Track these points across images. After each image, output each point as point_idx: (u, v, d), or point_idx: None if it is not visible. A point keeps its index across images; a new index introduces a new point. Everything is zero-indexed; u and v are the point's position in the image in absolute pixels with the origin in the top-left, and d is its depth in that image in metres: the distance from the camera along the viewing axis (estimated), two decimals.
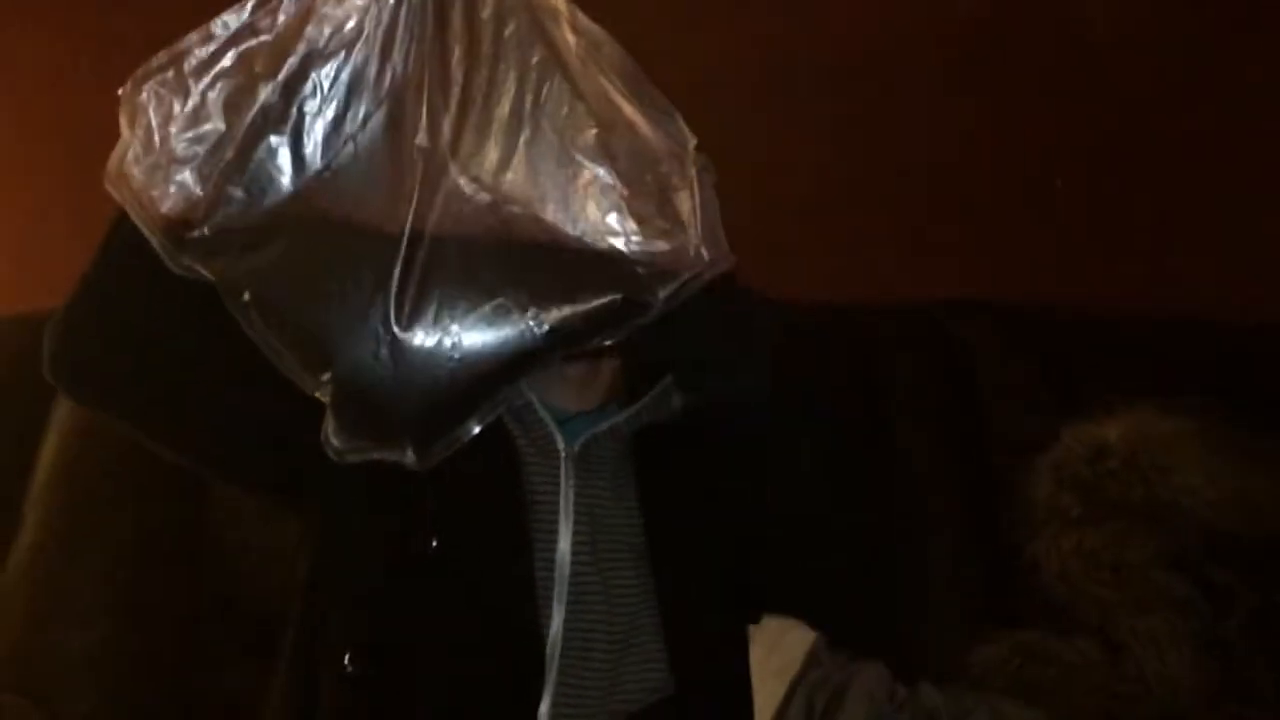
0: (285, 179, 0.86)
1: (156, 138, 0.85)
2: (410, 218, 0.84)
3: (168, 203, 0.85)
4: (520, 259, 0.85)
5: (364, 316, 0.83)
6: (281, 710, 1.12)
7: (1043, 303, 1.75)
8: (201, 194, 0.85)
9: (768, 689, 1.36)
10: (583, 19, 0.90)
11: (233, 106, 0.85)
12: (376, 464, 0.87)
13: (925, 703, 1.41)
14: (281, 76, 0.86)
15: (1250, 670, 1.41)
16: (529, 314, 0.84)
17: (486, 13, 0.88)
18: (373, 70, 0.87)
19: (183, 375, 0.98)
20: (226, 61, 0.85)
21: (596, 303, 0.85)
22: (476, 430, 0.86)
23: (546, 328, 0.84)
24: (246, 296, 0.85)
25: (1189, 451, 1.47)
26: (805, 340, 1.07)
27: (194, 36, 0.85)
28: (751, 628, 1.19)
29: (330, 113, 0.87)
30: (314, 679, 1.08)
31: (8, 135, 1.92)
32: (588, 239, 0.86)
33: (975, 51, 1.81)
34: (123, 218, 0.88)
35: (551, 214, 0.86)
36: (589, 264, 0.85)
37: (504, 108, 0.87)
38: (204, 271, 0.85)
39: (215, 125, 0.85)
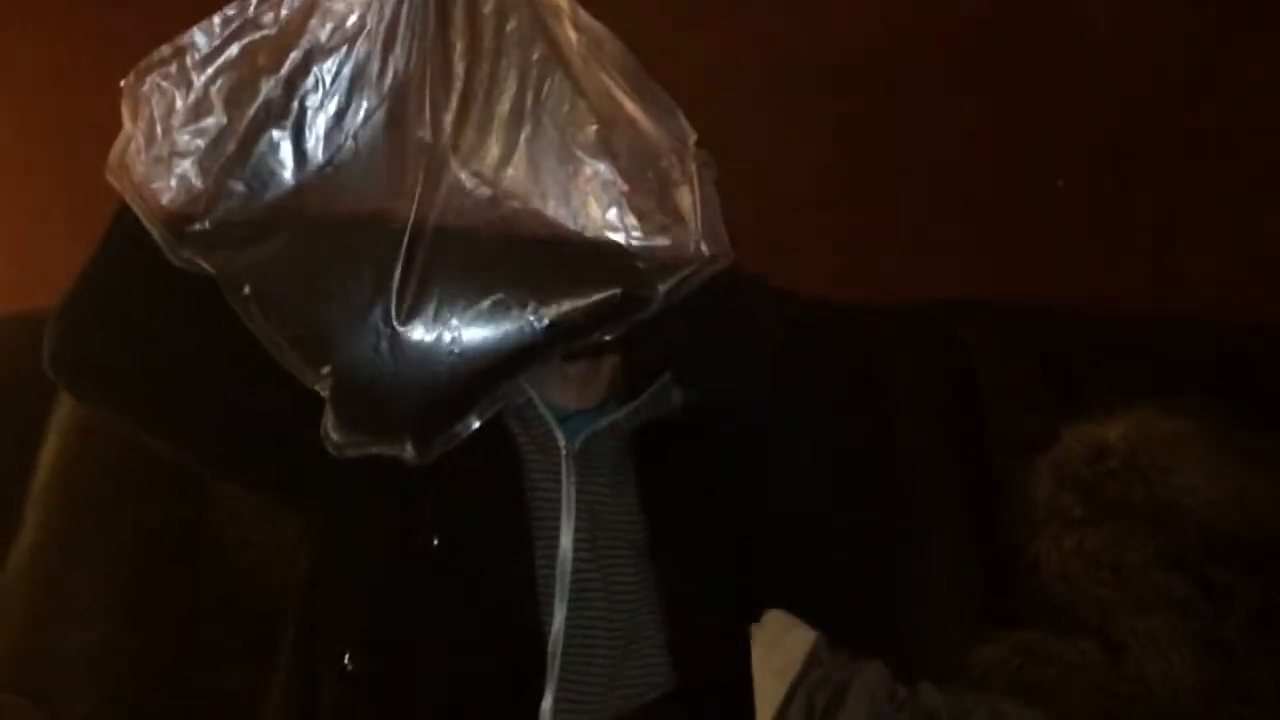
0: (287, 173, 0.87)
1: (159, 130, 0.85)
2: (412, 213, 0.85)
3: (169, 195, 0.86)
4: (520, 254, 0.86)
5: (364, 311, 0.83)
6: (281, 708, 1.12)
7: (1043, 303, 1.75)
8: (203, 187, 0.85)
9: (768, 689, 1.35)
10: (584, 16, 0.90)
11: (235, 100, 0.86)
12: (376, 461, 0.87)
13: (925, 703, 1.41)
14: (284, 71, 0.86)
15: (1250, 670, 1.41)
16: (529, 309, 0.84)
17: (488, 9, 0.88)
18: (375, 66, 0.88)
19: (183, 368, 0.98)
20: (229, 55, 0.86)
21: (596, 298, 0.85)
22: (476, 425, 0.87)
23: (546, 323, 0.84)
24: (247, 290, 0.85)
25: (1189, 451, 1.46)
26: (807, 335, 1.07)
27: (197, 30, 0.86)
28: (752, 627, 1.19)
29: (332, 108, 0.87)
30: (314, 677, 1.08)
31: (8, 135, 1.92)
32: (588, 234, 0.86)
33: (976, 50, 1.81)
34: (124, 210, 0.89)
35: (552, 210, 0.86)
36: (589, 259, 0.86)
37: (505, 104, 0.87)
38: (205, 264, 0.85)
39: (217, 119, 0.86)
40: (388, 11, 0.88)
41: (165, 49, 0.86)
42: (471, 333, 0.84)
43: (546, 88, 0.88)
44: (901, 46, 1.82)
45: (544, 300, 0.85)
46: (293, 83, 0.86)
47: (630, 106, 0.88)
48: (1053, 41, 1.84)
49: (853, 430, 1.09)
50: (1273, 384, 1.58)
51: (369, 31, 0.87)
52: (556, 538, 1.08)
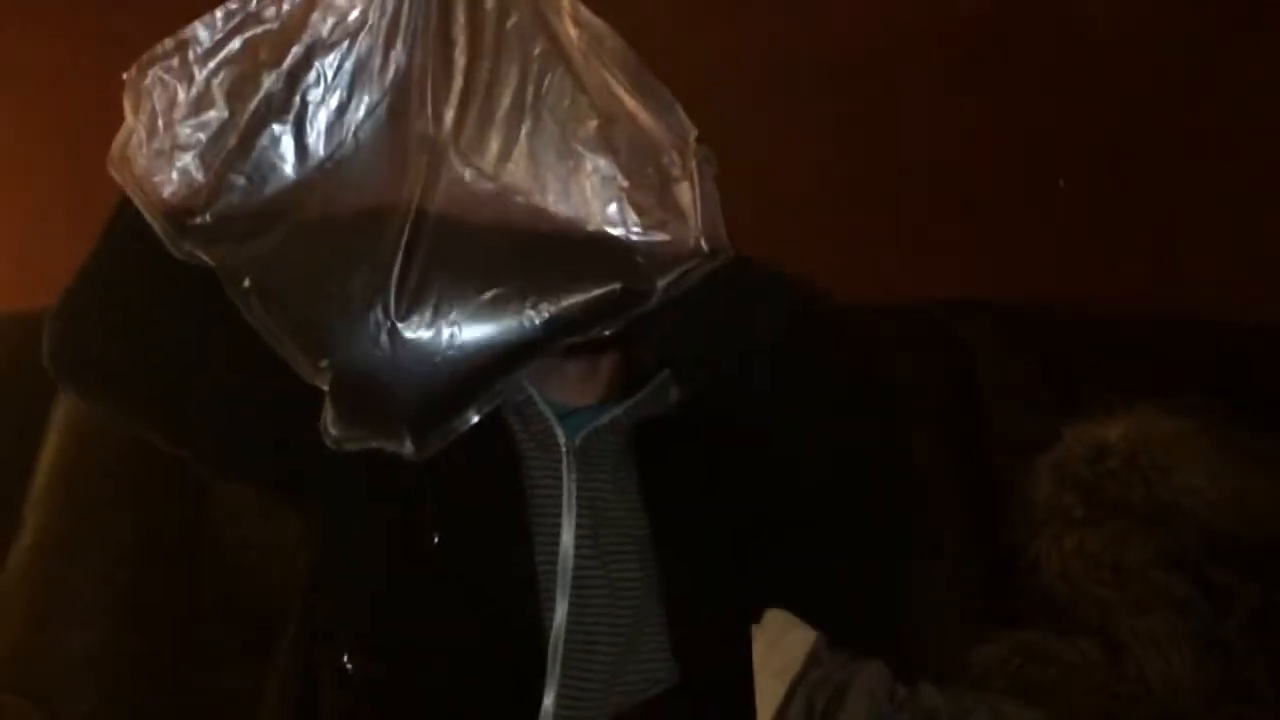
0: (288, 167, 0.87)
1: (160, 123, 0.86)
2: (412, 207, 0.85)
3: (170, 188, 0.85)
4: (520, 249, 0.86)
5: (364, 305, 0.83)
6: (279, 710, 1.12)
7: (1043, 303, 1.75)
8: (204, 180, 0.85)
9: (768, 688, 1.35)
10: (585, 12, 0.90)
11: (237, 94, 0.86)
12: (376, 460, 0.87)
13: (925, 703, 1.41)
14: (286, 65, 0.86)
15: (1250, 670, 1.41)
16: (528, 303, 0.84)
17: (489, 5, 0.89)
18: (377, 60, 0.88)
19: (183, 362, 0.98)
20: (231, 49, 0.86)
21: (596, 292, 0.85)
22: (475, 420, 0.86)
23: (546, 317, 0.84)
24: (247, 283, 0.85)
25: (1189, 451, 1.46)
26: (812, 334, 1.07)
27: (199, 24, 0.86)
28: (753, 627, 1.19)
29: (334, 102, 0.87)
30: (313, 678, 1.08)
31: (8, 135, 1.92)
32: (588, 230, 0.86)
33: (976, 50, 1.81)
34: (125, 203, 0.89)
35: (552, 205, 0.86)
36: (589, 254, 0.86)
37: (506, 99, 0.87)
38: (205, 258, 0.85)
39: (219, 112, 0.86)
40: (389, 7, 0.88)
41: (167, 42, 0.86)
42: (471, 327, 0.84)
43: (547, 83, 0.88)
44: (901, 46, 1.82)
45: (543, 295, 0.85)
46: (294, 77, 0.86)
47: (631, 102, 0.88)
48: (1053, 41, 1.84)
49: (854, 430, 1.09)
50: (1273, 384, 1.58)
51: (371, 26, 0.87)
52: (558, 535, 1.08)
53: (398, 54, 0.88)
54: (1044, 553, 1.49)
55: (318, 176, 0.87)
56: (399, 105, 0.88)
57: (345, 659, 1.05)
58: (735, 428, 1.10)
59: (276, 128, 0.87)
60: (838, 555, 1.24)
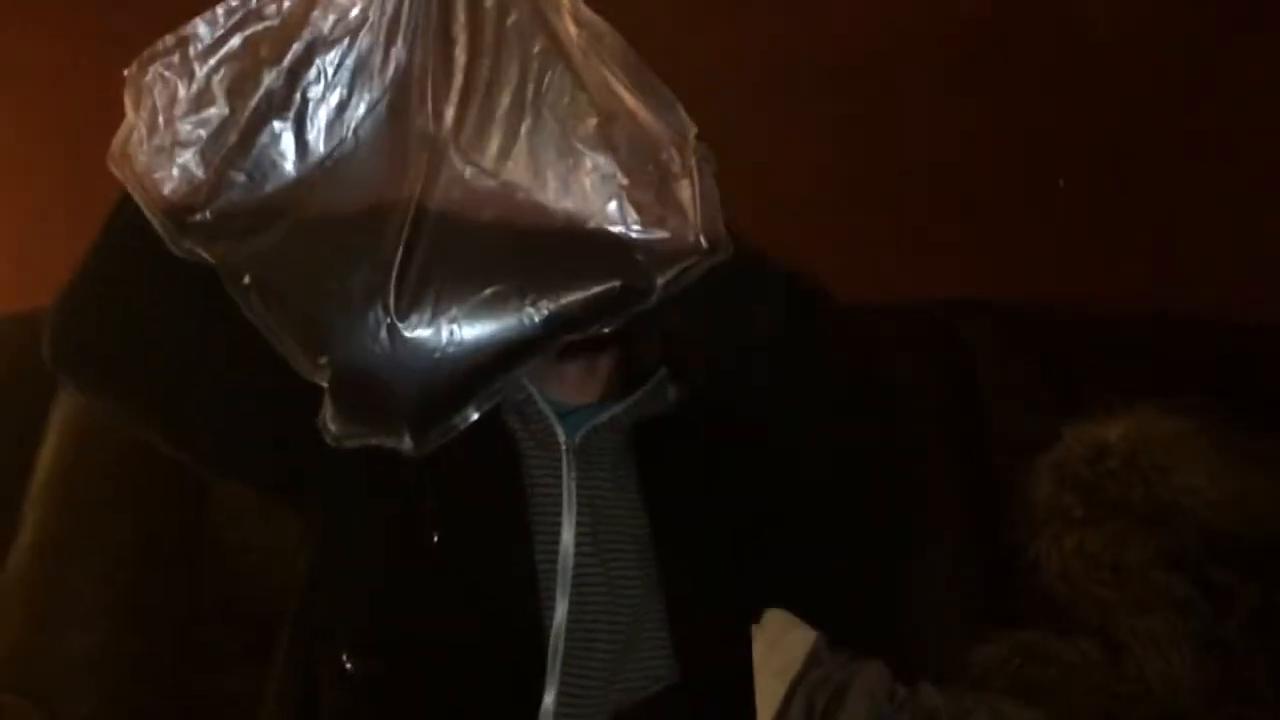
0: (288, 164, 0.87)
1: (160, 120, 0.86)
2: (412, 204, 0.85)
3: (170, 185, 0.85)
4: (520, 246, 0.86)
5: (364, 302, 0.83)
6: (278, 709, 1.12)
7: (1043, 303, 1.75)
8: (204, 177, 0.85)
9: (768, 688, 1.35)
10: (584, 10, 0.90)
11: (237, 91, 0.86)
12: (376, 457, 0.87)
13: (925, 703, 1.41)
14: (286, 62, 0.86)
15: (1250, 670, 1.41)
16: (527, 300, 0.84)
17: (489, 2, 0.89)
18: (377, 58, 0.88)
19: (182, 358, 0.98)
20: (231, 46, 0.86)
21: (595, 290, 0.85)
22: (475, 417, 0.86)
23: (545, 315, 0.84)
24: (247, 280, 0.85)
25: (1189, 452, 1.46)
26: (814, 334, 1.07)
27: (200, 20, 0.86)
28: (753, 627, 1.19)
29: (334, 99, 0.87)
30: (312, 678, 1.08)
31: (8, 135, 1.92)
32: (588, 227, 0.86)
33: (976, 51, 1.81)
34: (125, 199, 0.89)
35: (552, 202, 0.86)
36: (588, 252, 0.86)
37: (506, 97, 0.87)
38: (205, 255, 0.85)
39: (219, 109, 0.86)
40: (390, 4, 0.88)
41: (168, 39, 0.86)
42: (470, 324, 0.84)
43: (547, 81, 0.88)
44: (902, 48, 1.83)
45: (543, 292, 0.85)
46: (295, 74, 0.86)
47: (630, 100, 0.88)
48: (1053, 43, 1.84)
49: (854, 429, 1.09)
50: (1273, 384, 1.58)
51: (371, 24, 0.87)
52: (558, 533, 1.08)
53: (398, 51, 0.88)
54: (1044, 553, 1.49)
55: (318, 174, 0.87)
56: (399, 103, 0.88)
57: (344, 658, 1.05)
58: (735, 425, 1.10)
59: (277, 125, 0.87)
60: (838, 555, 1.24)
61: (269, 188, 0.86)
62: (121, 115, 0.88)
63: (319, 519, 1.15)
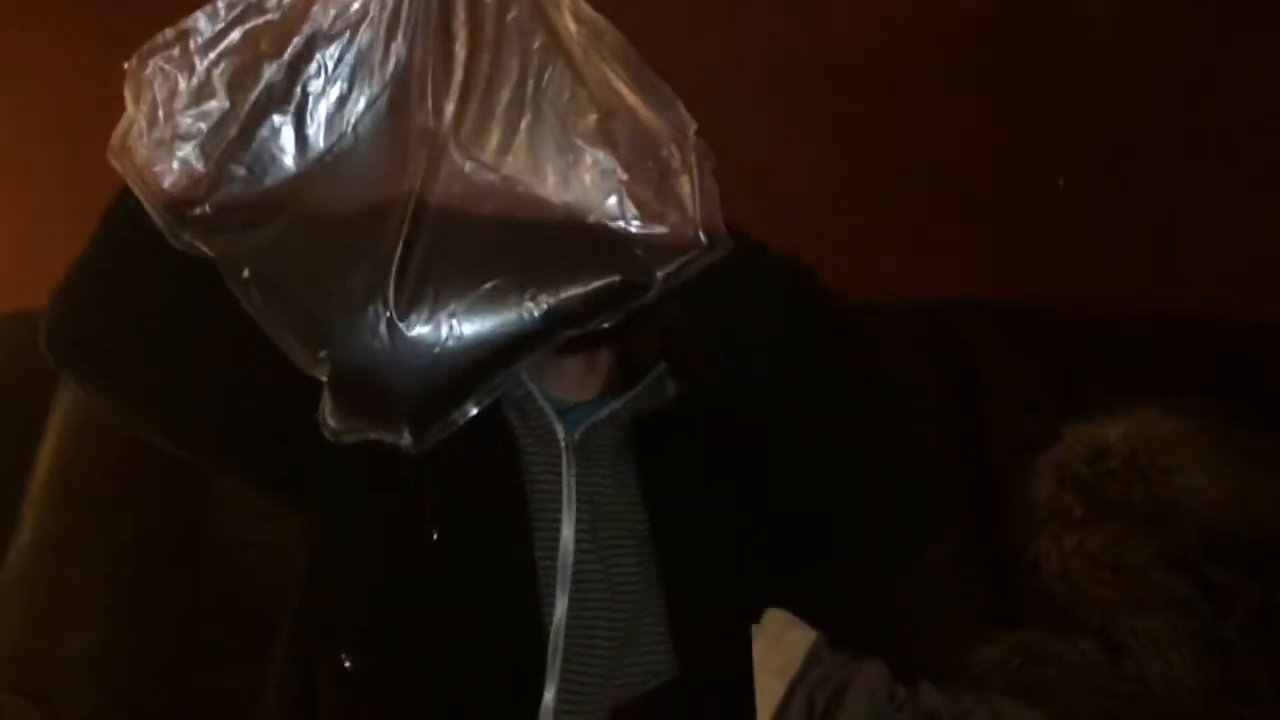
0: (288, 158, 0.87)
1: (161, 113, 0.85)
2: (412, 199, 0.84)
3: (170, 179, 0.85)
4: (520, 241, 0.86)
5: (363, 296, 0.83)
6: (277, 709, 1.12)
7: (1043, 303, 1.75)
8: (204, 171, 0.85)
9: (768, 688, 1.35)
10: (584, 7, 0.90)
11: (237, 84, 0.86)
12: (375, 452, 0.87)
13: (925, 703, 1.41)
14: (287, 56, 0.86)
15: (1250, 670, 1.41)
16: (527, 295, 0.84)
17: None
18: (377, 52, 0.88)
19: (182, 352, 0.98)
20: (232, 39, 0.86)
21: (595, 285, 0.85)
22: (474, 412, 0.86)
23: (545, 309, 0.84)
24: (246, 274, 0.85)
25: (1189, 451, 1.47)
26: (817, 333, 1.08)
27: (200, 14, 0.86)
28: (753, 627, 1.19)
29: (334, 93, 0.87)
30: (311, 676, 1.07)
31: (8, 135, 1.93)
32: (587, 222, 0.86)
33: (976, 50, 1.81)
34: (124, 192, 0.89)
35: (552, 197, 0.86)
36: (588, 247, 0.85)
37: (506, 92, 0.87)
38: (205, 248, 0.85)
39: (219, 103, 0.86)
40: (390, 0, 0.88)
41: (169, 32, 0.85)
42: (470, 319, 0.84)
43: (547, 76, 0.88)
44: (902, 47, 1.83)
45: (543, 287, 0.84)
46: (295, 68, 0.86)
47: (630, 96, 0.88)
48: (1053, 42, 1.84)
49: (854, 427, 1.09)
50: (1273, 384, 1.59)
51: (372, 19, 0.87)
52: (557, 529, 1.08)
53: (398, 46, 0.88)
54: (1044, 553, 1.50)
55: (318, 168, 0.87)
56: (399, 98, 0.88)
57: (344, 655, 1.05)
58: (734, 422, 1.10)
59: (277, 119, 0.86)
60: (838, 554, 1.24)
61: (269, 182, 0.86)
62: (121, 115, 0.88)
63: (318, 516, 1.14)
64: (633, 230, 0.86)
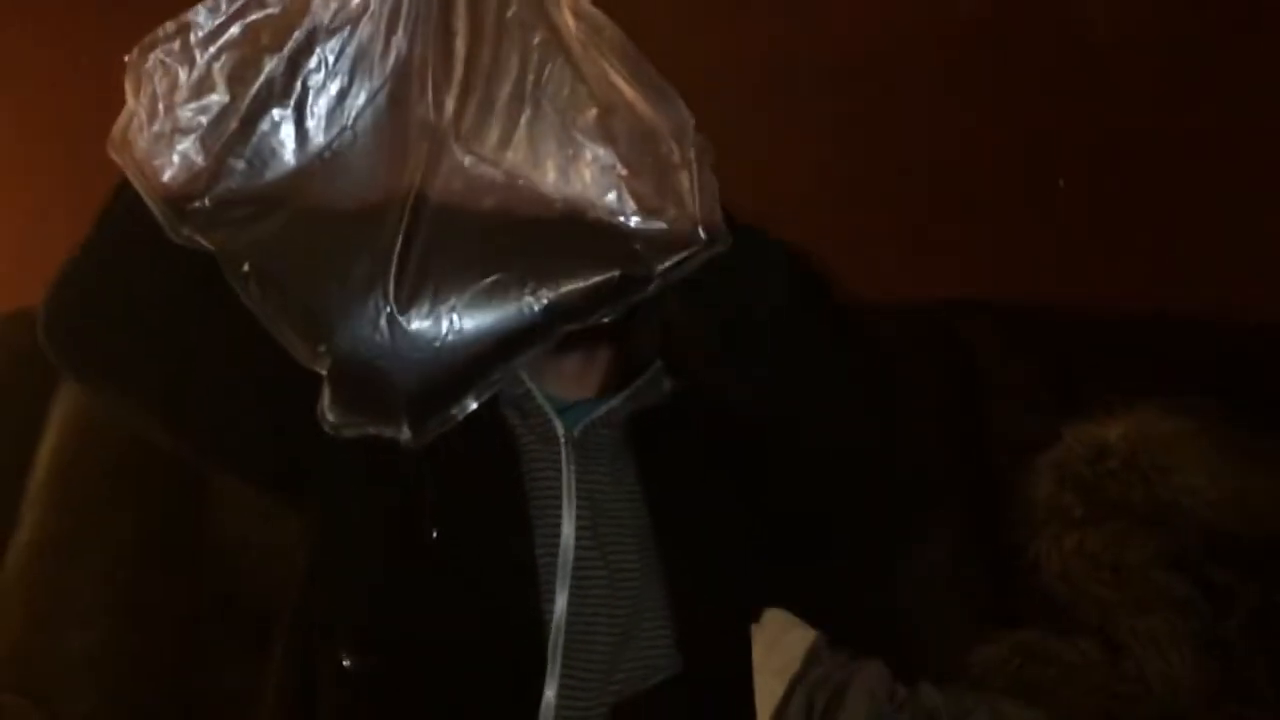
0: (288, 152, 0.87)
1: (161, 107, 0.85)
2: (412, 194, 0.85)
3: (170, 172, 0.85)
4: (520, 236, 0.86)
5: (363, 291, 0.83)
6: (277, 709, 1.12)
7: (1043, 303, 1.75)
8: (204, 164, 0.85)
9: (768, 688, 1.35)
10: (584, 3, 0.91)
11: (238, 78, 0.86)
12: (375, 448, 0.87)
13: (925, 703, 1.41)
14: (287, 50, 0.86)
15: (1250, 670, 1.40)
16: (527, 290, 0.85)
17: None
18: (378, 47, 0.88)
19: (181, 346, 0.98)
20: (232, 33, 0.86)
21: (595, 279, 0.85)
22: (473, 407, 0.86)
23: (545, 304, 0.85)
24: (246, 268, 0.85)
25: (1189, 452, 1.46)
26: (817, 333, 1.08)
27: (201, 7, 0.86)
28: (753, 627, 1.19)
29: (334, 88, 0.87)
30: (311, 675, 1.08)
31: (8, 135, 1.93)
32: (587, 217, 0.86)
33: (976, 51, 1.81)
34: (124, 185, 0.89)
35: (552, 192, 0.87)
36: (588, 242, 0.86)
37: (506, 87, 0.88)
38: (204, 242, 0.85)
39: (220, 96, 0.86)
40: None
41: (169, 25, 0.86)
42: (470, 313, 0.84)
43: (547, 72, 0.88)
44: (901, 48, 1.83)
45: (543, 282, 0.85)
46: (296, 62, 0.86)
47: (629, 92, 0.88)
48: (1052, 43, 1.84)
49: (854, 425, 1.09)
50: (1273, 384, 1.58)
51: (372, 13, 0.88)
52: (558, 526, 1.08)
53: (399, 41, 0.88)
54: (1044, 553, 1.49)
55: (318, 162, 0.87)
56: (400, 92, 0.88)
57: (343, 654, 1.05)
58: (733, 418, 1.10)
59: (277, 113, 0.87)
60: (838, 554, 1.24)
61: (269, 175, 0.86)
62: (121, 114, 0.88)
63: (318, 516, 1.15)
64: (632, 225, 0.86)
